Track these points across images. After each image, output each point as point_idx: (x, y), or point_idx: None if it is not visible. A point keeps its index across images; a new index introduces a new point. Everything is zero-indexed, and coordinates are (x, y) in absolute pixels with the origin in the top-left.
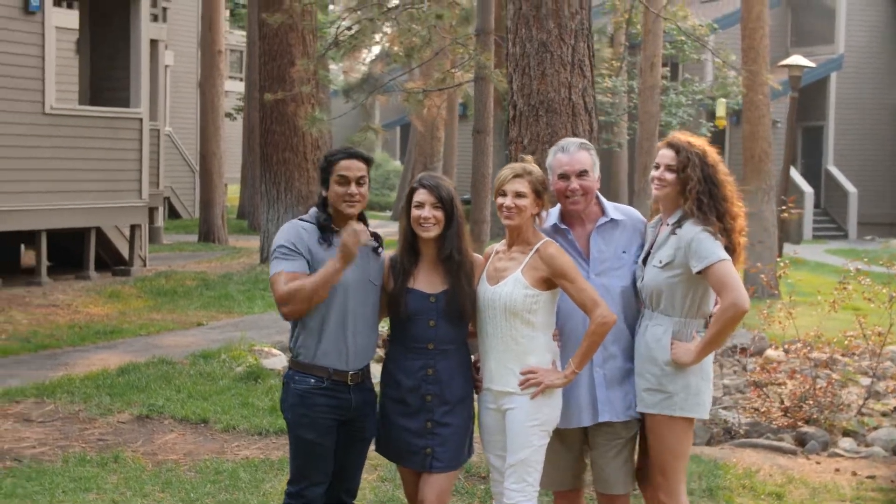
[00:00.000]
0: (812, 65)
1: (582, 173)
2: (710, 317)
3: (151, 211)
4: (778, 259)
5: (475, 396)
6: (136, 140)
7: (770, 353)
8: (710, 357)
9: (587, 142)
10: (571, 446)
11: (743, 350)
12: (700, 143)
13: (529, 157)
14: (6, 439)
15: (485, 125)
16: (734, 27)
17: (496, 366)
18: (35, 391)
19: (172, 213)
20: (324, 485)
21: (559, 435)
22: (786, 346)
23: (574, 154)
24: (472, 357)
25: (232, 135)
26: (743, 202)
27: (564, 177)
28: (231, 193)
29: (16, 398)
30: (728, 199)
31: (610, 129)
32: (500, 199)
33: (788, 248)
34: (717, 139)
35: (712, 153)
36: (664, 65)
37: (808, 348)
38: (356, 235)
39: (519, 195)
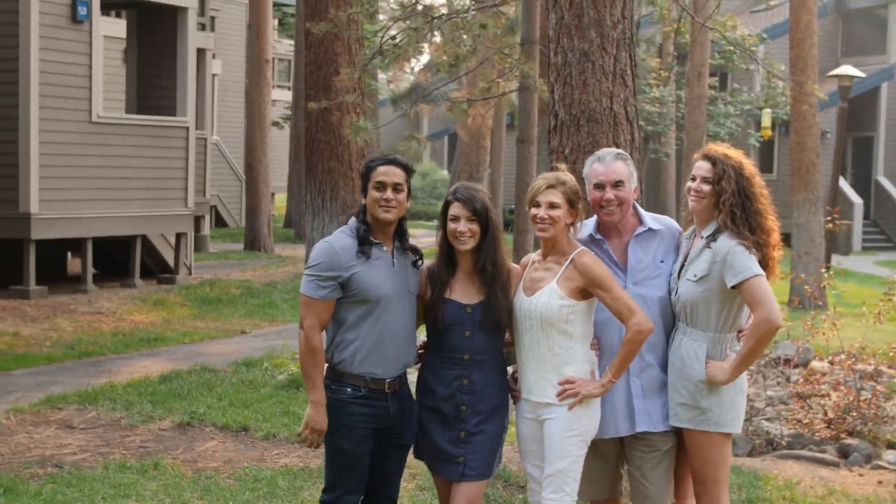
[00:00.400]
0: (862, 75)
1: (617, 183)
2: (741, 331)
3: (197, 219)
4: (822, 270)
5: (512, 406)
6: (183, 149)
7: (815, 364)
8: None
9: (624, 152)
10: (608, 456)
11: (787, 361)
12: (736, 155)
13: (563, 166)
14: (48, 445)
15: (529, 135)
16: (784, 37)
17: (534, 376)
18: (77, 398)
19: (219, 222)
20: (358, 493)
21: (595, 445)
22: (831, 358)
23: (610, 164)
24: (511, 368)
25: (280, 144)
26: (792, 213)
27: (600, 187)
28: (279, 202)
29: (58, 405)
30: (762, 212)
31: (657, 139)
32: (533, 210)
33: (835, 260)
34: (767, 150)
35: (749, 166)
36: (713, 75)
37: (853, 360)
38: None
39: (552, 206)
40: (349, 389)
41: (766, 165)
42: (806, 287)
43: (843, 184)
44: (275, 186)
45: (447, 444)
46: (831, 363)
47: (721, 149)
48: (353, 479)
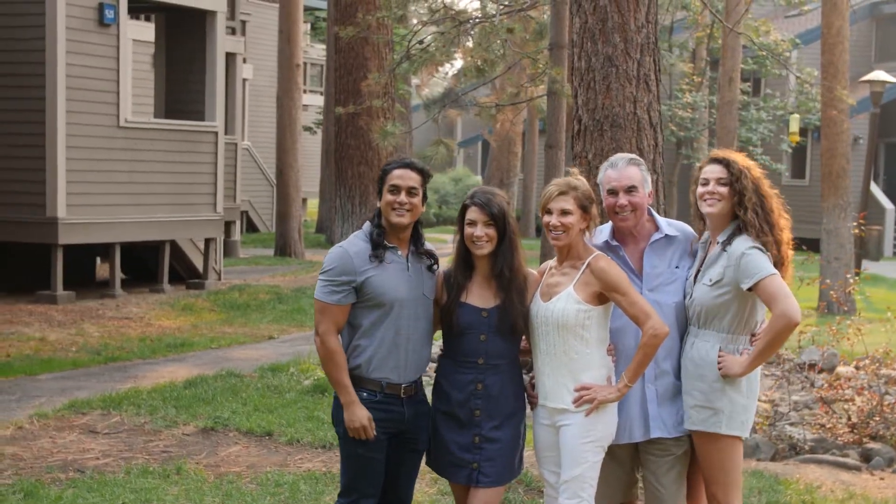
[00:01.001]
0: (894, 80)
1: (631, 189)
2: (754, 335)
3: (228, 225)
4: (848, 276)
5: (529, 412)
6: (212, 153)
7: (841, 369)
8: (757, 375)
9: (637, 157)
10: (623, 461)
11: (812, 366)
12: (743, 157)
13: (575, 170)
14: (71, 450)
15: (557, 140)
16: (817, 42)
17: (551, 382)
18: (102, 403)
19: (251, 227)
20: (374, 498)
21: (611, 450)
22: (857, 363)
23: (623, 170)
24: (529, 375)
25: (313, 149)
26: (822, 219)
27: (613, 192)
28: (311, 208)
29: (82, 410)
30: (775, 211)
31: (690, 144)
32: (546, 218)
33: (865, 266)
34: (800, 155)
35: (755, 168)
36: (746, 80)
37: (877, 364)
38: (363, 433)
39: (564, 213)
40: (365, 394)
41: (798, 171)
42: (831, 292)
43: (876, 189)
44: (307, 192)
45: (461, 449)
46: (857, 368)
47: (727, 153)
48: (368, 483)
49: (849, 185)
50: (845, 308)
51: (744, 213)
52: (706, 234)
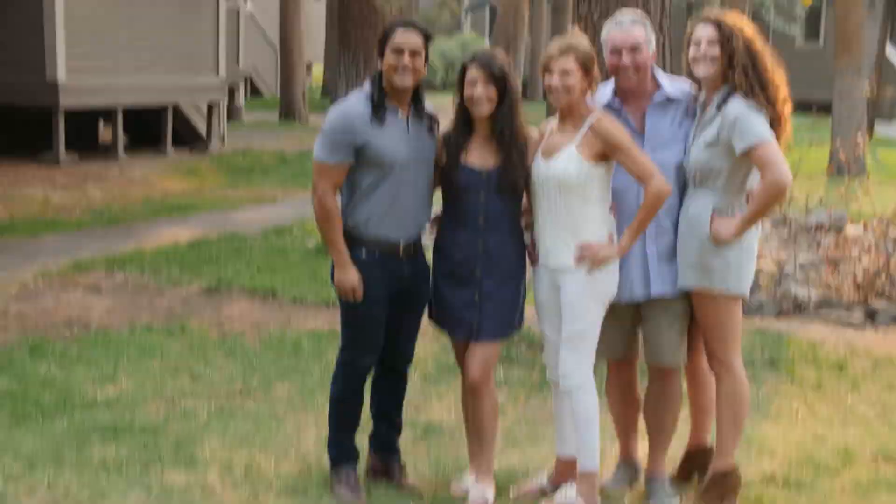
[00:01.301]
0: None
1: (634, 48)
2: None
3: (231, 90)
4: (857, 139)
5: (530, 271)
6: (213, 18)
7: (849, 228)
8: (755, 233)
9: (642, 14)
10: (623, 318)
11: (819, 227)
12: (735, 17)
13: (576, 28)
14: (75, 308)
15: (563, 3)
16: None
17: (552, 242)
18: (105, 263)
19: (255, 92)
20: (374, 354)
21: (611, 307)
22: (865, 224)
23: (627, 29)
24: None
25: (319, 14)
26: (834, 82)
27: (616, 52)
28: (318, 72)
29: (86, 269)
30: (769, 69)
31: (701, 7)
32: (546, 78)
33: (878, 127)
34: (814, 18)
35: (748, 27)
36: None
37: (886, 225)
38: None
39: (565, 73)
40: (364, 253)
41: (812, 33)
42: (841, 154)
43: (891, 50)
44: (314, 57)
45: (461, 307)
46: (865, 227)
47: (719, 13)
48: (368, 339)
49: (863, 46)
50: (855, 170)
51: (733, 74)
52: (703, 94)
